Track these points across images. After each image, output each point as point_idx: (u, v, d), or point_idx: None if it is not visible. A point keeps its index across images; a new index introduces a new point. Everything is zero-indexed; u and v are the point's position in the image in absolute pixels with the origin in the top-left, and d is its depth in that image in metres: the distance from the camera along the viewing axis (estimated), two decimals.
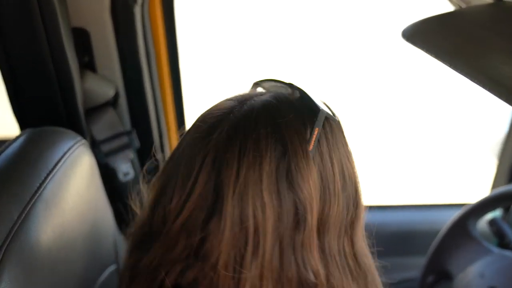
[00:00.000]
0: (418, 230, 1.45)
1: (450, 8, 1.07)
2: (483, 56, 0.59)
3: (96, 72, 1.02)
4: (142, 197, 0.74)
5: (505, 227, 1.14)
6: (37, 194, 0.67)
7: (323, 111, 0.56)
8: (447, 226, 1.11)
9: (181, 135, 0.60)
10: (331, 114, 0.58)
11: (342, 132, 0.61)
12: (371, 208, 1.54)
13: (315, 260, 0.55)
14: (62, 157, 0.76)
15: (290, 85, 0.62)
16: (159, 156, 1.16)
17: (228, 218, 0.51)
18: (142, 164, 1.18)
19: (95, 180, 0.90)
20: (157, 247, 0.56)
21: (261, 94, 0.60)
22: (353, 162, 0.61)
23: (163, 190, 0.57)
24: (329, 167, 0.56)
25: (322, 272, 0.55)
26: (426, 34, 0.74)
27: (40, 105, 0.93)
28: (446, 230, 1.11)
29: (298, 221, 0.53)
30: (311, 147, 0.55)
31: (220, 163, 0.52)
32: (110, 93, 1.03)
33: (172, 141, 1.26)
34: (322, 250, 0.56)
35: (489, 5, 0.79)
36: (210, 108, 0.59)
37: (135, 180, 1.12)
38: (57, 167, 0.73)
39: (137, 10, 0.95)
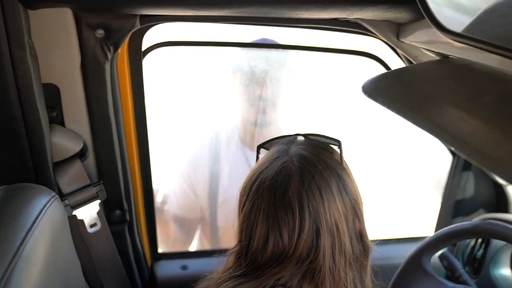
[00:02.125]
0: (375, 266, 1.49)
1: (401, 64, 1.16)
2: (441, 112, 0.64)
3: (64, 126, 1.02)
4: None
5: (455, 261, 1.21)
6: (18, 253, 0.66)
7: (337, 139, 0.85)
8: (404, 262, 1.16)
9: (244, 193, 0.82)
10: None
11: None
12: None
13: (367, 237, 0.83)
14: (38, 214, 0.75)
15: (291, 137, 0.88)
16: (125, 206, 1.16)
17: (326, 232, 0.75)
18: (108, 215, 1.17)
19: (66, 234, 0.89)
20: (269, 273, 0.75)
21: (290, 145, 0.84)
22: None
23: (269, 231, 0.76)
24: (350, 171, 0.84)
25: (368, 244, 0.83)
26: (386, 90, 0.79)
27: (9, 161, 0.92)
28: (403, 266, 1.16)
29: (356, 214, 0.80)
30: (344, 163, 0.83)
31: (309, 199, 0.75)
32: (78, 146, 1.02)
33: (137, 192, 1.26)
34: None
35: (438, 61, 0.87)
36: (262, 168, 0.81)
37: (102, 230, 1.11)
38: (35, 225, 0.73)
39: (107, 66, 0.97)
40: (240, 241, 0.82)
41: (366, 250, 0.82)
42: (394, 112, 0.72)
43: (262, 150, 0.90)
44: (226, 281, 0.79)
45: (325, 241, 0.75)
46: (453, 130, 0.60)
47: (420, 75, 0.84)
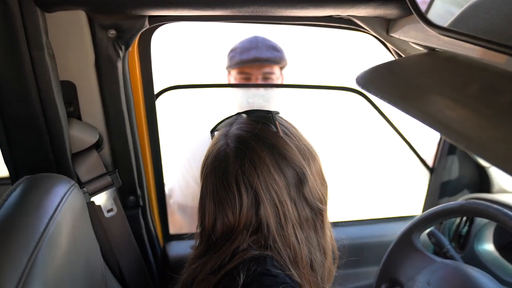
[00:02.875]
0: (368, 243, 1.50)
1: (391, 57, 1.15)
2: (430, 102, 0.64)
3: (81, 120, 1.02)
4: None
5: (442, 238, 1.21)
6: (42, 240, 0.66)
7: (272, 112, 0.83)
8: (395, 240, 1.16)
9: (202, 177, 0.83)
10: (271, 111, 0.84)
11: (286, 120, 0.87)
12: None
13: (319, 195, 0.82)
14: (60, 202, 0.75)
15: (235, 116, 0.88)
16: (138, 192, 1.17)
17: (266, 203, 0.75)
18: (123, 201, 1.18)
19: (85, 219, 0.89)
20: (226, 247, 0.77)
21: (231, 126, 0.84)
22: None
23: (216, 213, 0.78)
24: (297, 139, 0.82)
25: (324, 200, 0.83)
26: (378, 82, 0.79)
27: (32, 153, 0.92)
28: (394, 243, 1.16)
29: (300, 179, 0.78)
30: (280, 132, 0.81)
31: (245, 175, 0.75)
32: (94, 138, 1.02)
33: (149, 179, 1.26)
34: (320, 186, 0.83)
35: (426, 54, 0.86)
36: (208, 153, 0.83)
37: (118, 215, 1.11)
38: (57, 211, 0.73)
39: (119, 64, 0.96)
40: (198, 219, 0.84)
41: (316, 212, 0.81)
42: (385, 101, 0.72)
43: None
44: (192, 263, 0.81)
45: (267, 211, 0.76)
46: (441, 118, 0.60)
47: (409, 67, 0.84)
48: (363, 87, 0.78)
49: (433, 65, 0.83)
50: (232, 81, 1.68)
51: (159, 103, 1.23)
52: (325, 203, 0.84)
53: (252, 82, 1.63)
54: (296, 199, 0.78)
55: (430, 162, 1.54)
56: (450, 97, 0.64)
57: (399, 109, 0.67)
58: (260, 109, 0.85)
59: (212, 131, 0.90)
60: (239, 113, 0.88)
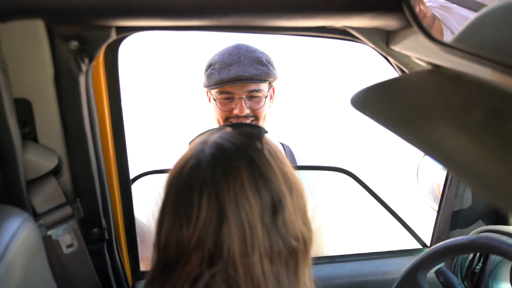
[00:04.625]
0: (370, 281, 1.51)
1: (394, 72, 1.18)
2: (431, 129, 0.65)
3: (38, 142, 1.03)
4: None
5: (452, 277, 1.23)
6: None
7: (261, 127, 0.85)
8: (398, 280, 1.18)
9: (168, 182, 0.82)
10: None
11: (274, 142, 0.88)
12: (320, 261, 1.60)
13: (296, 232, 0.80)
14: (10, 239, 0.76)
15: (220, 127, 0.89)
16: (103, 224, 1.17)
17: (232, 222, 0.74)
18: (86, 234, 1.18)
19: (41, 257, 0.90)
20: (179, 271, 0.76)
21: (213, 133, 0.84)
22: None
23: (171, 227, 0.78)
24: (283, 164, 0.82)
25: (301, 240, 0.80)
26: (373, 103, 0.81)
27: None
28: (397, 284, 1.18)
29: (276, 207, 0.77)
30: (265, 151, 0.80)
31: (214, 186, 0.75)
32: (53, 163, 1.03)
33: (116, 208, 1.27)
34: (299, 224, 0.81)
35: (428, 71, 0.89)
36: (180, 159, 0.82)
37: (80, 251, 1.12)
38: (7, 251, 0.74)
39: (82, 79, 0.98)
40: (155, 238, 0.83)
41: (290, 250, 0.79)
42: (382, 126, 0.73)
43: None
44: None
45: (232, 232, 0.74)
46: (443, 149, 0.61)
47: (409, 86, 0.86)
48: (357, 108, 0.80)
49: (436, 84, 0.86)
50: (212, 101, 1.68)
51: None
52: (303, 243, 0.81)
53: (235, 102, 1.62)
54: (270, 227, 0.77)
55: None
56: (453, 123, 0.66)
57: (396, 134, 0.69)
58: (248, 123, 0.88)
59: (191, 142, 0.89)
60: (223, 126, 0.89)
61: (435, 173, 1.79)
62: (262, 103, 1.65)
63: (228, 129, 0.86)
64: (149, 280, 0.82)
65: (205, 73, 1.68)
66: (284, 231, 0.78)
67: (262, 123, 1.68)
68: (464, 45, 0.75)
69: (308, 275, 0.85)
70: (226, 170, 0.76)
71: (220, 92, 1.63)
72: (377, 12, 0.88)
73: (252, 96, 1.63)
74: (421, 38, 0.82)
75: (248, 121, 1.64)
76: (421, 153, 1.81)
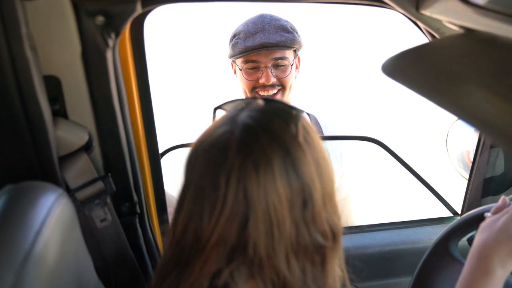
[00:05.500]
0: (400, 251, 1.51)
1: (424, 38, 1.16)
2: (465, 93, 0.63)
3: (68, 118, 1.04)
4: None
5: None
6: (28, 258, 0.69)
7: (297, 109, 0.76)
8: (430, 248, 1.17)
9: (187, 165, 0.76)
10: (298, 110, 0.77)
11: (310, 124, 0.80)
12: (349, 230, 1.60)
13: (324, 227, 0.75)
14: (46, 215, 0.78)
15: (250, 100, 0.81)
16: (135, 198, 1.19)
17: (260, 217, 0.69)
18: (118, 208, 1.20)
19: (76, 231, 0.91)
20: (197, 268, 0.71)
21: (241, 111, 0.77)
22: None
23: (191, 215, 0.72)
24: (317, 150, 0.76)
25: (329, 234, 0.76)
26: (405, 69, 0.79)
27: (14, 158, 0.95)
28: (429, 252, 1.17)
29: (305, 201, 0.72)
30: (301, 138, 0.73)
31: (243, 177, 0.69)
32: (83, 139, 1.05)
33: (147, 183, 1.28)
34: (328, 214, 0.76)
35: (461, 35, 0.86)
36: (205, 137, 0.75)
37: (113, 224, 1.14)
38: (44, 226, 0.75)
39: (109, 54, 0.98)
40: (171, 222, 0.78)
41: (317, 246, 0.75)
42: (415, 92, 0.72)
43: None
44: (160, 277, 0.77)
45: (258, 228, 0.69)
46: (479, 113, 0.60)
47: (442, 52, 0.84)
48: (389, 75, 0.78)
49: (469, 48, 0.84)
50: (238, 71, 1.68)
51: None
52: (332, 237, 0.77)
53: (261, 71, 1.61)
54: (298, 223, 0.72)
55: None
56: (489, 87, 0.64)
57: (430, 100, 0.68)
58: (283, 102, 0.81)
59: (216, 110, 0.84)
60: (255, 98, 0.82)
61: (464, 141, 1.77)
62: (288, 72, 1.64)
63: (260, 104, 0.79)
64: (161, 272, 0.78)
65: (229, 43, 1.67)
66: (313, 226, 0.74)
67: (288, 92, 1.67)
68: (499, 6, 0.73)
69: (337, 265, 0.81)
70: (257, 160, 0.69)
71: (246, 62, 1.63)
72: None
73: (278, 65, 1.62)
74: (453, 1, 0.80)
75: (275, 90, 1.64)
76: (451, 121, 1.79)
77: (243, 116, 0.75)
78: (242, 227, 0.70)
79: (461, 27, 0.90)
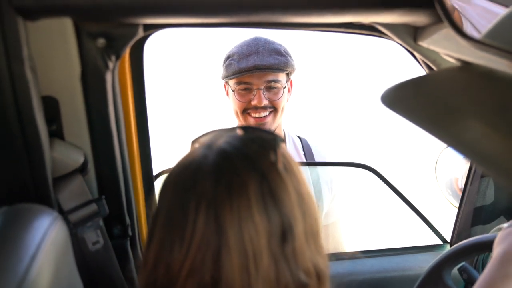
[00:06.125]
0: (390, 278, 1.51)
1: (420, 69, 1.18)
2: (465, 127, 0.64)
3: (64, 140, 1.03)
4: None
5: (476, 274, 1.22)
6: (23, 283, 0.67)
7: (276, 135, 0.74)
8: (422, 276, 1.18)
9: (160, 191, 0.72)
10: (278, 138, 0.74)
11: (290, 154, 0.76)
12: (340, 257, 1.60)
13: (307, 264, 0.68)
14: (42, 239, 0.77)
15: (229, 129, 0.77)
16: (127, 221, 1.18)
17: (234, 248, 0.63)
18: (109, 231, 1.19)
19: (69, 255, 0.90)
20: None
21: (220, 137, 0.73)
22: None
23: (161, 244, 0.67)
24: (299, 182, 0.71)
25: (313, 273, 0.69)
26: (404, 100, 0.80)
27: (8, 178, 0.93)
28: (422, 280, 1.18)
29: (285, 233, 0.66)
30: (280, 165, 0.68)
31: (215, 204, 0.64)
32: (79, 160, 1.04)
33: (140, 206, 1.28)
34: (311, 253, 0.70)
35: (459, 68, 0.88)
36: (181, 161, 0.72)
37: (105, 248, 1.13)
38: (39, 250, 0.74)
39: (108, 76, 0.98)
40: (144, 252, 0.73)
41: (298, 285, 0.67)
42: (414, 124, 0.72)
43: None
44: None
45: (232, 261, 0.63)
46: (477, 148, 0.61)
47: (440, 84, 0.85)
48: (388, 106, 0.79)
49: (467, 82, 0.85)
50: (230, 92, 1.68)
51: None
52: (316, 277, 0.70)
53: (254, 93, 1.62)
54: (277, 257, 0.65)
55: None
56: (489, 122, 0.65)
57: (430, 133, 0.69)
58: (262, 129, 0.79)
59: (194, 142, 0.78)
60: (234, 127, 0.78)
61: (453, 168, 1.79)
62: (281, 94, 1.65)
63: (239, 132, 0.75)
64: None
65: (223, 64, 1.68)
66: (294, 262, 0.67)
67: (280, 115, 1.68)
68: (496, 41, 0.74)
69: None
70: (230, 184, 0.65)
71: (239, 83, 1.64)
72: (407, 8, 0.87)
73: (270, 87, 1.63)
74: (451, 34, 0.81)
75: (267, 112, 1.64)
76: (440, 148, 1.81)
77: (220, 142, 0.71)
78: (215, 258, 0.63)
79: (458, 59, 0.92)
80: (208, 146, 0.71)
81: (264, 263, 0.64)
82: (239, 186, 0.65)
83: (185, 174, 0.68)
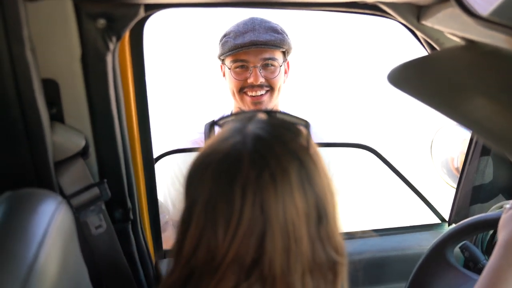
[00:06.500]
0: (391, 257, 1.53)
1: (423, 51, 1.17)
2: (476, 106, 0.64)
3: (64, 123, 1.02)
4: None
5: (478, 252, 1.24)
6: (32, 271, 0.67)
7: (306, 121, 0.75)
8: (425, 254, 1.19)
9: (193, 180, 0.72)
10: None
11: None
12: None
13: (336, 242, 0.73)
14: (48, 225, 0.76)
15: (252, 113, 0.77)
16: (129, 205, 1.17)
17: (277, 232, 0.66)
18: (111, 215, 1.18)
19: (74, 240, 0.90)
20: (207, 283, 0.68)
21: (247, 123, 0.73)
22: None
23: (202, 232, 0.68)
24: (323, 163, 0.74)
25: (341, 249, 0.74)
26: (410, 79, 0.80)
27: (9, 162, 0.92)
28: (424, 258, 1.19)
29: (320, 216, 0.70)
30: (312, 151, 0.72)
31: (260, 189, 0.66)
32: (80, 144, 1.02)
33: (140, 189, 1.27)
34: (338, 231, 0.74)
35: (464, 47, 0.87)
36: (211, 149, 0.72)
37: (107, 232, 1.12)
38: (46, 237, 0.74)
39: (109, 58, 0.96)
40: (176, 239, 0.74)
41: (331, 263, 0.72)
42: (423, 103, 0.72)
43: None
44: None
45: (275, 245, 0.66)
46: (487, 125, 0.61)
47: (446, 63, 0.85)
48: (395, 85, 0.78)
49: (473, 60, 0.85)
50: (226, 72, 1.67)
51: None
52: (342, 255, 0.74)
53: (250, 70, 1.60)
54: (314, 237, 0.69)
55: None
56: (499, 100, 0.65)
57: (440, 113, 0.68)
58: (288, 113, 0.78)
59: (213, 124, 0.79)
60: (256, 110, 0.79)
61: (449, 148, 1.80)
62: (277, 73, 1.63)
63: (264, 117, 0.76)
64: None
65: (219, 43, 1.66)
66: (327, 242, 0.71)
67: (276, 95, 1.67)
68: (503, 19, 0.74)
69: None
70: (274, 171, 0.67)
71: (235, 61, 1.62)
72: None
73: (267, 65, 1.61)
74: (456, 12, 0.81)
75: (263, 91, 1.63)
76: (435, 128, 1.82)
77: (252, 128, 0.72)
78: (259, 243, 0.66)
79: (462, 38, 0.91)
80: (241, 131, 0.71)
81: (304, 245, 0.68)
82: (282, 173, 0.67)
83: (225, 162, 0.69)
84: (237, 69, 1.63)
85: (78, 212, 1.06)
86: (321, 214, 0.70)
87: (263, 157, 0.68)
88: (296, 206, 0.67)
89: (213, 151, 0.71)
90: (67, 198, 1.04)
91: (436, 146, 1.84)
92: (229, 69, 1.64)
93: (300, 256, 0.68)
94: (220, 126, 0.79)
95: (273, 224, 0.66)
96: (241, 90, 1.64)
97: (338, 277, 0.74)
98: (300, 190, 0.68)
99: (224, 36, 1.64)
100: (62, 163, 1.02)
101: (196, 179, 0.72)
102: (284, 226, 0.66)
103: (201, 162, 0.72)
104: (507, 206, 1.02)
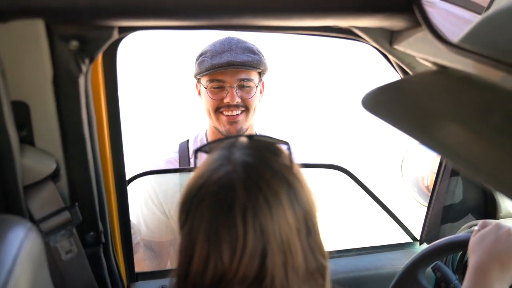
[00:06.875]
0: (364, 276, 1.52)
1: (395, 75, 1.19)
2: (450, 133, 0.65)
3: (35, 146, 0.99)
4: None
5: (449, 272, 1.24)
6: None
7: (285, 141, 0.82)
8: (397, 276, 1.19)
9: (189, 210, 0.75)
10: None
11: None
12: None
13: (323, 248, 0.79)
14: (17, 252, 0.73)
15: (233, 138, 0.83)
16: (100, 228, 1.15)
17: (276, 249, 0.72)
18: (82, 238, 1.15)
19: (44, 267, 0.87)
20: None
21: (233, 150, 0.79)
22: None
23: (207, 258, 0.73)
24: (304, 177, 0.80)
25: (326, 253, 0.80)
26: (386, 105, 0.80)
27: None
28: (397, 279, 1.19)
29: (309, 228, 0.76)
30: (294, 169, 0.78)
31: (257, 213, 0.71)
32: (51, 167, 1.00)
33: (112, 212, 1.24)
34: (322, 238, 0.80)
35: (436, 72, 0.89)
36: (203, 179, 0.75)
37: (78, 256, 1.09)
38: (15, 265, 0.71)
39: (81, 80, 0.95)
40: (180, 263, 0.78)
41: (320, 268, 0.78)
42: (397, 129, 0.72)
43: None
44: None
45: (275, 260, 0.72)
46: (466, 155, 0.61)
47: (420, 87, 0.86)
48: (370, 110, 0.79)
49: (445, 86, 0.86)
50: (202, 91, 1.66)
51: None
52: (327, 258, 0.81)
53: (226, 90, 1.60)
54: (306, 248, 0.75)
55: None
56: (470, 127, 0.66)
57: (415, 139, 0.69)
58: (268, 136, 0.84)
59: (198, 151, 0.84)
60: (237, 136, 0.86)
61: (419, 167, 1.82)
62: (253, 93, 1.64)
63: (246, 141, 0.81)
64: None
65: (196, 62, 1.65)
66: (317, 250, 0.78)
67: (252, 115, 1.67)
68: (473, 45, 0.75)
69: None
70: (267, 197, 0.72)
71: (211, 80, 1.61)
72: (386, 13, 0.87)
73: (243, 85, 1.61)
74: (428, 38, 0.82)
75: (239, 110, 1.63)
76: (405, 148, 1.84)
77: (239, 155, 0.77)
78: (261, 262, 0.72)
79: (434, 63, 0.92)
80: (229, 159, 0.76)
81: (298, 257, 0.74)
82: (273, 194, 0.73)
83: (221, 191, 0.73)
84: (214, 89, 1.62)
85: (48, 237, 1.03)
86: (309, 226, 0.76)
87: (255, 183, 0.73)
88: (289, 223, 0.73)
89: (206, 182, 0.75)
90: (36, 222, 1.00)
91: (406, 165, 1.87)
92: (206, 88, 1.63)
93: (296, 268, 0.74)
94: (207, 152, 0.84)
95: (272, 243, 0.72)
96: (217, 109, 1.64)
97: (326, 280, 0.81)
98: (290, 208, 0.74)
99: (201, 55, 1.64)
100: (32, 187, 1.00)
101: (193, 209, 0.75)
102: (280, 243, 0.72)
103: (196, 194, 0.76)
104: (475, 228, 1.04)
